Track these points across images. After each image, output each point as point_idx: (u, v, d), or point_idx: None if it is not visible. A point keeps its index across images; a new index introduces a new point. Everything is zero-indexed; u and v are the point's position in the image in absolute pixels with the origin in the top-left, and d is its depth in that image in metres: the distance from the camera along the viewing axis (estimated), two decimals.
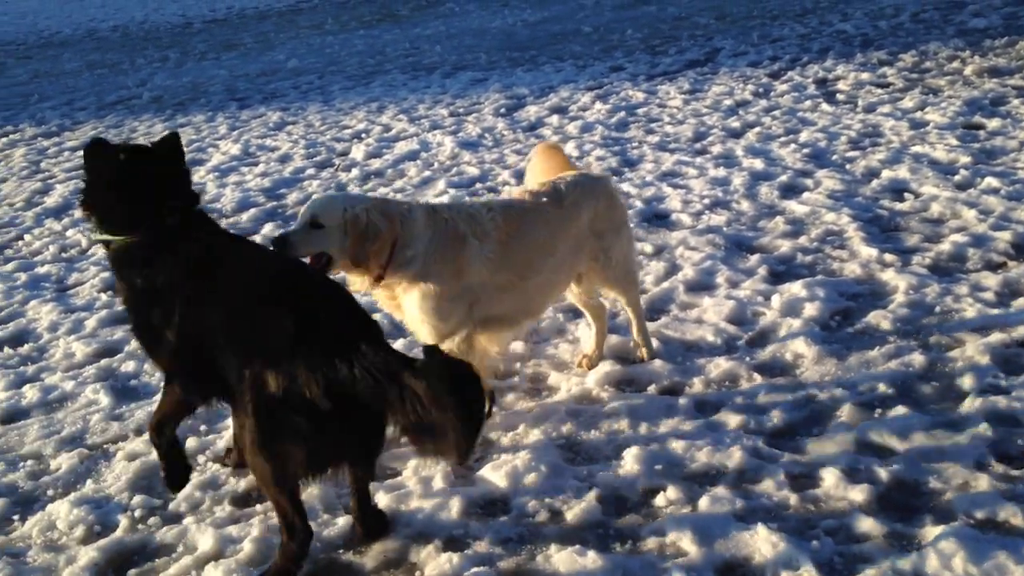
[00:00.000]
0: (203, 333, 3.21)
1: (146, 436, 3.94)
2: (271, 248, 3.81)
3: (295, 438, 3.05)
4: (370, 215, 3.80)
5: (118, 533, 3.66)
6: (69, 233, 7.58)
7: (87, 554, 3.55)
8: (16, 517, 3.89)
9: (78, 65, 17.23)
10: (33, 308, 6.03)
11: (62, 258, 7.05)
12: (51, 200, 8.64)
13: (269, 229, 7.10)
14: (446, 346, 3.87)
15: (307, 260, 3.82)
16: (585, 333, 4.90)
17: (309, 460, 3.11)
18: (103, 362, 5.17)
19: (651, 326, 4.95)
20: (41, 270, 6.77)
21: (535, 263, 4.12)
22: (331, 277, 3.75)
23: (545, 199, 4.20)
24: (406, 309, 3.99)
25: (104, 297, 6.11)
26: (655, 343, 4.73)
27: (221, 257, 3.35)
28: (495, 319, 4.12)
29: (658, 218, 6.60)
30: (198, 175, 8.98)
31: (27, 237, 7.61)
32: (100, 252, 7.05)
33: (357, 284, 3.96)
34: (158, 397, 3.59)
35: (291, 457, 3.08)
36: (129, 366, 5.09)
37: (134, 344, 5.33)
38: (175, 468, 3.58)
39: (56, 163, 10.13)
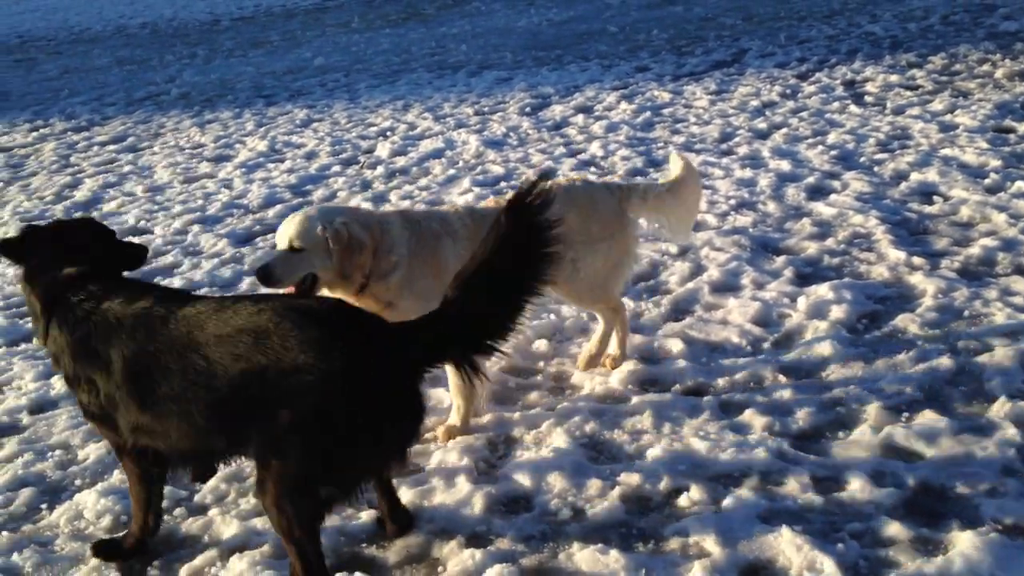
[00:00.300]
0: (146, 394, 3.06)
1: None
2: (256, 275, 3.77)
3: (332, 473, 2.93)
4: (350, 228, 3.79)
5: None
6: None
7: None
8: (44, 506, 3.94)
9: (108, 61, 17.41)
10: None
11: None
12: (80, 194, 8.73)
13: None
14: None
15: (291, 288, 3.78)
16: None
17: (345, 491, 3.01)
18: None
19: (675, 326, 4.95)
20: None
21: None
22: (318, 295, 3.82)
23: None
24: (392, 316, 3.90)
25: None
26: (679, 344, 4.72)
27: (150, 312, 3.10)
28: None
29: None
30: (225, 171, 9.06)
31: None
32: None
33: (339, 294, 3.93)
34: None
35: (325, 494, 2.97)
36: None
37: None
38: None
39: (85, 157, 10.25)
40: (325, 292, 3.90)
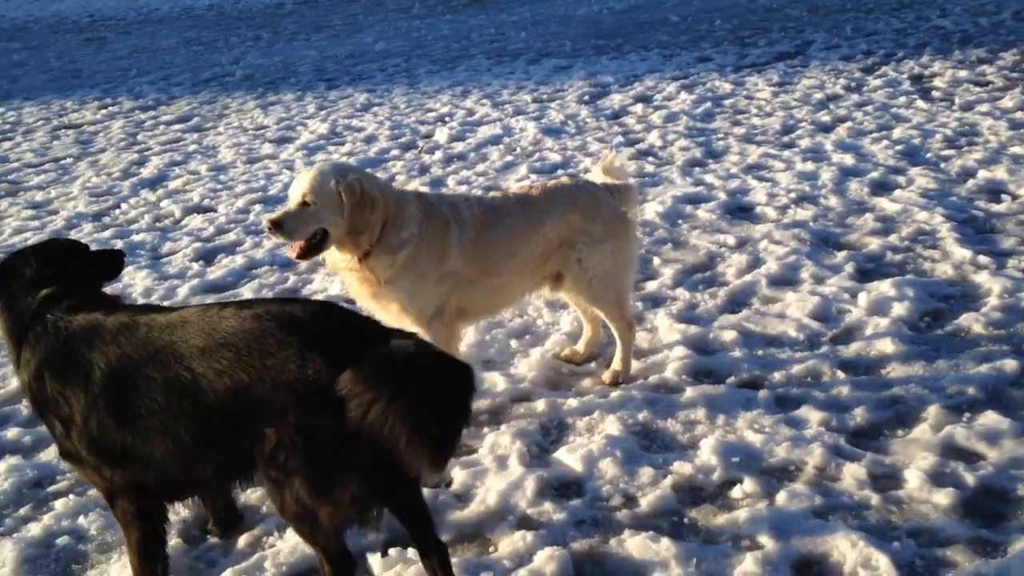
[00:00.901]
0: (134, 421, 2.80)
1: None
2: (267, 232, 3.76)
3: (351, 476, 2.65)
4: (364, 184, 3.80)
5: None
6: (163, 204, 7.84)
7: (175, 511, 3.68)
8: None
9: (175, 42, 17.76)
10: (128, 274, 6.24)
11: (156, 227, 7.29)
12: (147, 171, 8.94)
13: None
14: (428, 335, 3.95)
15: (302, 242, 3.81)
16: (664, 322, 4.89)
17: (368, 496, 2.75)
18: None
19: (731, 318, 4.91)
20: (136, 238, 7.01)
21: (498, 262, 4.13)
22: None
23: (516, 202, 4.18)
24: (388, 294, 3.97)
25: (195, 267, 6.32)
26: (735, 336, 4.69)
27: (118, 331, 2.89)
28: (463, 311, 4.16)
29: (742, 210, 6.52)
30: (287, 152, 9.20)
31: (123, 206, 7.89)
32: (193, 223, 7.29)
33: (341, 263, 3.95)
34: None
35: (350, 498, 2.70)
36: None
37: None
38: None
39: (152, 136, 10.48)
40: (333, 250, 3.91)
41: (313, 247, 3.83)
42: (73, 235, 7.16)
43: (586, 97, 10.40)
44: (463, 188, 7.56)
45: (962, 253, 5.40)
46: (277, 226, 3.74)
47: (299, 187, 3.79)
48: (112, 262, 3.40)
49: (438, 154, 8.68)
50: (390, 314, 4.06)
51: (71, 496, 3.86)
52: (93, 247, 6.48)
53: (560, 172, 7.77)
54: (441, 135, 9.27)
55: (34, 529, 3.65)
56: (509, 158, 8.33)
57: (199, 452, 2.77)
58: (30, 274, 3.10)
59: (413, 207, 3.95)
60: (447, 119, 9.99)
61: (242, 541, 3.51)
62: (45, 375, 2.94)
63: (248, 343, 2.64)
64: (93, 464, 2.92)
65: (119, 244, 6.88)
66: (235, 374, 2.63)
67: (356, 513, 2.76)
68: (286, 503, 2.72)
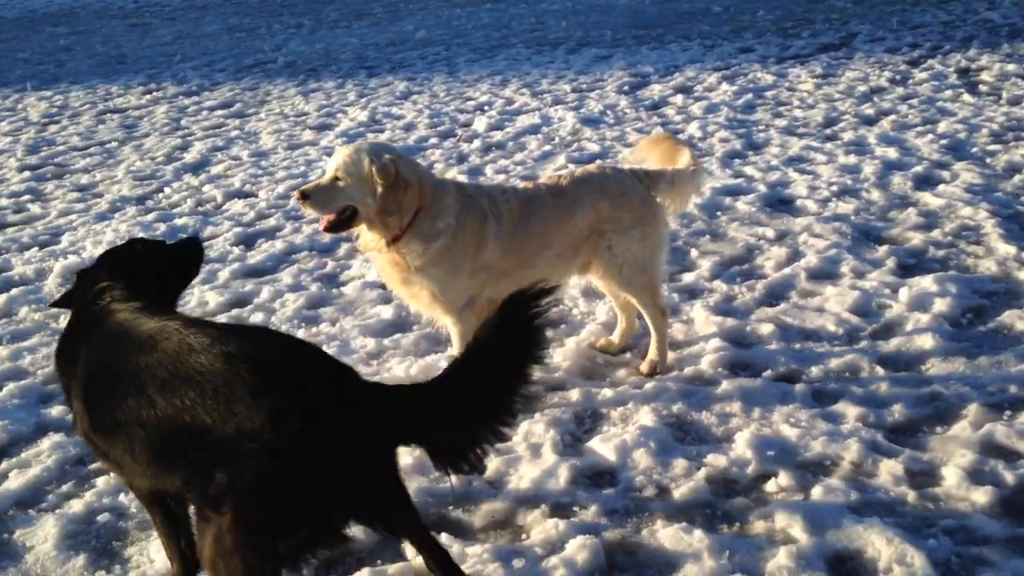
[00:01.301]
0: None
1: None
2: (295, 201, 3.80)
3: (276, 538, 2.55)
4: (398, 165, 3.80)
5: None
6: (206, 188, 7.94)
7: None
8: None
9: (218, 28, 17.93)
10: None
11: (198, 211, 7.39)
12: (190, 156, 9.05)
13: None
14: (458, 324, 4.00)
15: (331, 216, 3.85)
16: (700, 314, 4.86)
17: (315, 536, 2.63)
18: (233, 312, 5.43)
19: (769, 311, 4.88)
20: (179, 222, 7.11)
21: (533, 254, 4.12)
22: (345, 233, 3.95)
23: (547, 192, 4.16)
24: (419, 281, 3.97)
25: (236, 251, 6.39)
26: (773, 329, 4.66)
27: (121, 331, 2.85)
28: (494, 301, 4.09)
29: (782, 203, 6.46)
30: (327, 139, 9.26)
31: (167, 190, 8.00)
32: (234, 208, 7.37)
33: (371, 244, 3.97)
34: None
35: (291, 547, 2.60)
36: (258, 317, 5.32)
37: (263, 297, 5.59)
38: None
39: (195, 121, 10.60)
40: (363, 228, 3.93)
41: (341, 223, 3.88)
42: (117, 218, 7.29)
43: (626, 87, 10.35)
44: (501, 177, 7.57)
45: (1006, 249, 5.31)
46: (305, 197, 3.79)
47: (333, 162, 3.85)
48: (190, 253, 3.43)
49: (476, 143, 8.69)
50: (420, 301, 4.08)
51: (112, 474, 3.93)
52: (142, 233, 6.63)
53: (599, 163, 7.74)
54: (480, 124, 9.28)
55: (76, 506, 3.73)
56: (547, 148, 8.32)
57: (159, 473, 2.73)
58: (104, 275, 3.16)
59: (451, 197, 3.96)
60: (486, 108, 9.99)
61: None
62: (64, 358, 3.02)
63: (215, 385, 2.51)
64: (95, 451, 3.00)
65: (162, 227, 6.99)
66: (196, 414, 2.50)
67: (296, 558, 2.62)
68: (210, 543, 2.56)
